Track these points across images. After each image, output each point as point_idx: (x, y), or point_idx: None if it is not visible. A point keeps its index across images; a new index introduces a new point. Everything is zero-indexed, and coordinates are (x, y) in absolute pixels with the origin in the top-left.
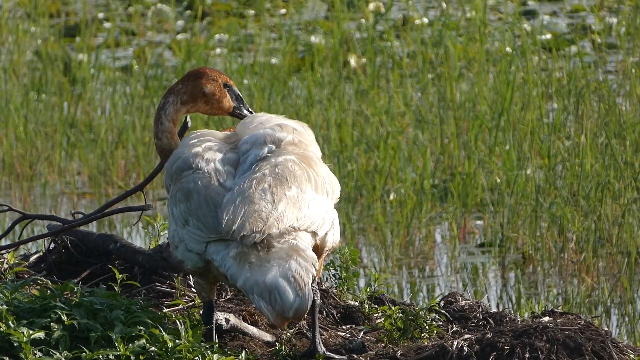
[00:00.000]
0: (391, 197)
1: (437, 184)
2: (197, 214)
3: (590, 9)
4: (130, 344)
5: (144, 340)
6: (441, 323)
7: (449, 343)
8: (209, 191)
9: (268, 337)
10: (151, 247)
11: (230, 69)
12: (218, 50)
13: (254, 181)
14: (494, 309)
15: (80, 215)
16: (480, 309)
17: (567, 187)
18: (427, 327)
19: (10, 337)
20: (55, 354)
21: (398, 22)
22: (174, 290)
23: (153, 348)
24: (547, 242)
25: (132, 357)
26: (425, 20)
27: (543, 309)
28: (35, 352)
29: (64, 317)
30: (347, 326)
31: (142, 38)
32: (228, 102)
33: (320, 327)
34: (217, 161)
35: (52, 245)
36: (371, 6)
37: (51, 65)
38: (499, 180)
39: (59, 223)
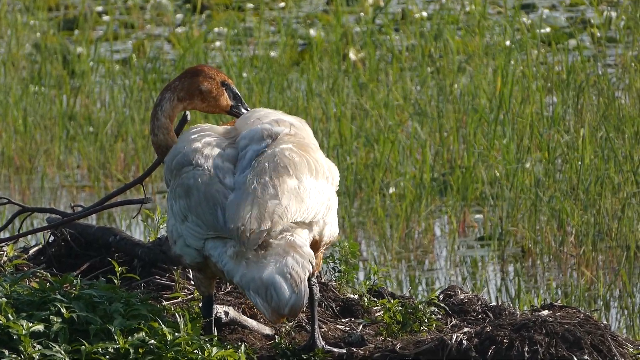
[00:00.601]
0: (391, 190)
1: (437, 178)
2: (196, 211)
3: (590, 2)
4: (129, 337)
5: (143, 333)
6: (440, 316)
7: (448, 336)
8: (209, 189)
9: (267, 330)
10: (150, 240)
11: (229, 62)
12: (217, 44)
13: (255, 178)
14: (493, 303)
15: (80, 208)
16: (480, 303)
17: (566, 181)
18: (426, 320)
19: (10, 330)
20: (55, 347)
21: (397, 15)
22: (173, 283)
23: (152, 341)
24: (547, 235)
25: (132, 350)
26: (425, 13)
27: (542, 302)
28: (34, 344)
29: (64, 310)
30: (347, 319)
31: (141, 31)
32: (225, 100)
33: (319, 320)
34: (216, 157)
35: (52, 238)
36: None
37: (50, 58)
38: (498, 173)
39: (58, 216)
